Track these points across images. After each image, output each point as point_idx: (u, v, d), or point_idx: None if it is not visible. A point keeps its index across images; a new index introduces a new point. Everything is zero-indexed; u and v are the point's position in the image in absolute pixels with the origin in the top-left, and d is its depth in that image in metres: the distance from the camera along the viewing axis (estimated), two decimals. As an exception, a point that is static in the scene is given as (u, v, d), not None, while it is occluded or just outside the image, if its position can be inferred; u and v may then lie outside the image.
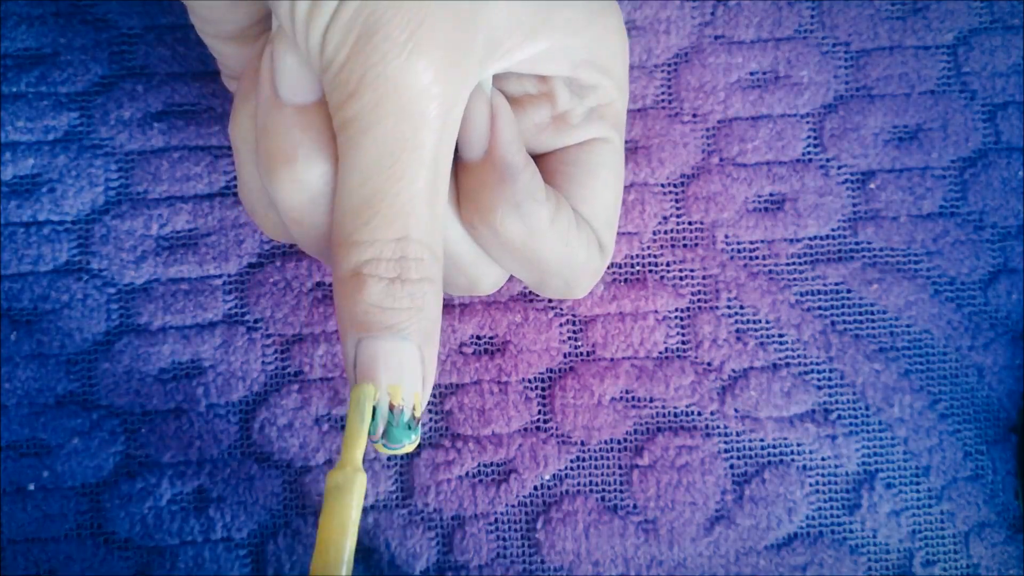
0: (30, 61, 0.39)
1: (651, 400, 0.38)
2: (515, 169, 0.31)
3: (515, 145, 0.31)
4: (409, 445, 0.30)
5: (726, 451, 0.37)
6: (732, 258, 0.38)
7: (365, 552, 0.37)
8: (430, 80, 0.27)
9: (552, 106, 0.33)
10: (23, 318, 0.37)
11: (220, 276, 0.38)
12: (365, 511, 0.37)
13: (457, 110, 0.29)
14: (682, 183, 0.39)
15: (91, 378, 0.37)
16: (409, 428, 0.30)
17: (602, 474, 0.37)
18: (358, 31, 0.27)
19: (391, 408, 0.29)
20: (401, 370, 0.29)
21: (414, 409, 0.30)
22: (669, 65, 0.40)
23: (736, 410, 0.38)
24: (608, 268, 0.38)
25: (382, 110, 0.27)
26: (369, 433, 0.30)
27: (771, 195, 0.39)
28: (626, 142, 0.39)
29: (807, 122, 0.39)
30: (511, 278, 0.38)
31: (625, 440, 0.38)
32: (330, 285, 0.38)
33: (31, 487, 0.37)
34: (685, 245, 0.39)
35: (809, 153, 0.39)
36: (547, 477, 0.37)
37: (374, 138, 0.28)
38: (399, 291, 0.29)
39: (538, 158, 0.34)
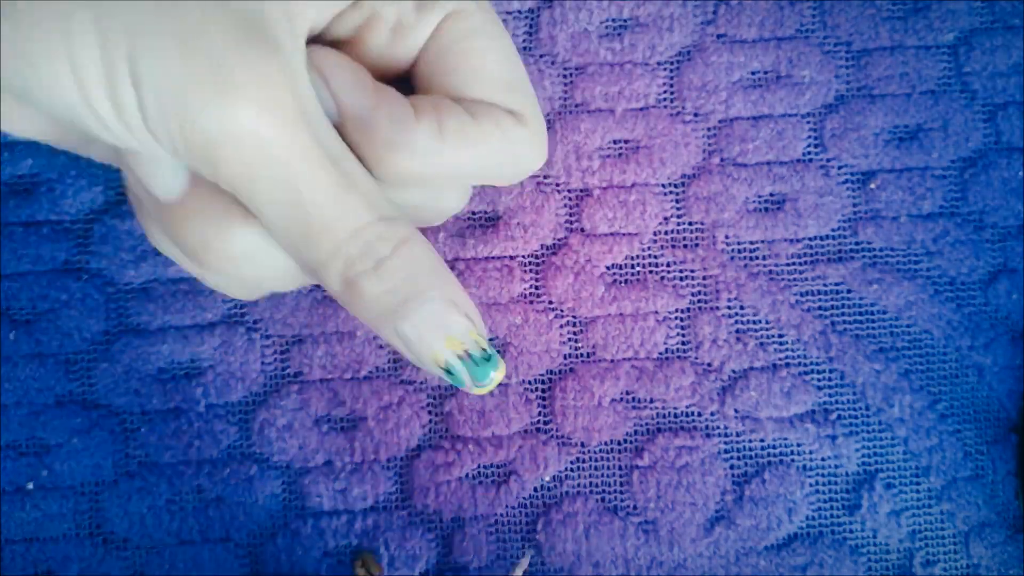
0: (29, 60, 0.39)
1: (651, 401, 0.38)
2: (367, 113, 0.30)
3: (357, 90, 0.30)
4: (496, 375, 0.31)
5: (726, 451, 0.37)
6: (732, 258, 0.38)
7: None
8: (253, 114, 0.27)
9: (382, 23, 0.32)
10: (22, 318, 0.37)
11: (219, 276, 0.38)
12: (365, 512, 0.37)
13: (308, 105, 0.28)
14: (683, 183, 0.39)
15: (90, 378, 0.37)
16: (487, 361, 0.30)
17: (602, 475, 0.37)
18: (164, 108, 0.26)
19: (461, 358, 0.30)
20: (444, 325, 0.30)
21: (479, 344, 0.30)
22: (672, 63, 0.40)
23: (736, 410, 0.38)
24: (608, 269, 0.38)
25: (237, 162, 0.27)
26: (460, 386, 0.31)
27: (771, 195, 0.39)
28: (626, 142, 0.39)
29: (808, 122, 0.39)
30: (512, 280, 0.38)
31: (625, 441, 0.37)
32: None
33: (30, 487, 0.37)
34: (685, 245, 0.39)
35: (810, 153, 0.39)
36: (547, 478, 0.37)
37: (255, 188, 0.28)
38: (387, 271, 0.29)
39: (408, 68, 0.33)
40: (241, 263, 0.30)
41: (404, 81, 0.33)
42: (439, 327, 0.30)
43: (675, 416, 0.38)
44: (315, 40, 0.31)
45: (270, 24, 0.28)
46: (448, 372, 0.30)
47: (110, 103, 0.26)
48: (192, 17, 0.26)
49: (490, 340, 0.38)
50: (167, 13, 0.26)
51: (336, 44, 0.32)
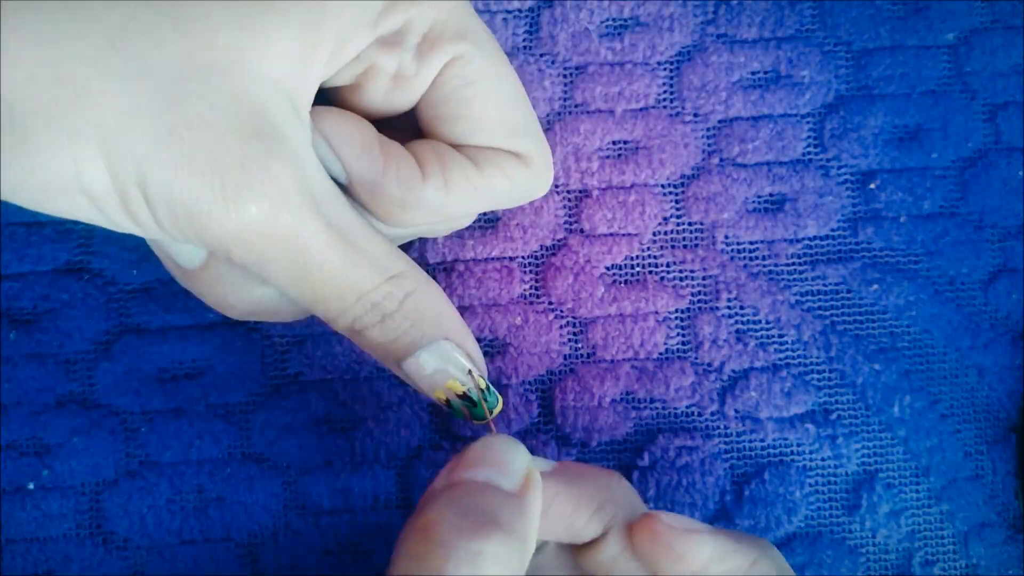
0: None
1: (651, 401, 0.38)
2: (376, 176, 0.31)
3: (364, 155, 0.31)
4: (496, 410, 0.33)
5: (726, 452, 0.37)
6: (732, 259, 0.38)
7: (365, 553, 0.37)
8: (261, 212, 0.28)
9: (382, 73, 0.32)
10: (23, 318, 0.37)
11: (220, 276, 0.38)
12: (365, 512, 0.37)
13: (314, 185, 0.29)
14: (682, 184, 0.39)
15: (91, 378, 0.37)
16: (485, 400, 0.32)
17: (602, 476, 0.37)
18: (177, 218, 0.28)
19: (460, 397, 0.32)
20: (444, 367, 0.32)
21: (478, 385, 0.32)
22: (672, 63, 0.40)
23: (736, 411, 0.38)
24: (608, 269, 0.38)
25: (249, 252, 0.28)
26: (462, 420, 0.34)
27: (771, 195, 0.39)
28: (626, 142, 0.39)
29: (808, 122, 0.39)
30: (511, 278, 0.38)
31: (625, 441, 0.38)
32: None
33: (31, 486, 0.37)
34: (685, 246, 0.39)
35: (809, 153, 0.39)
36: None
37: (268, 269, 0.29)
38: (391, 323, 0.31)
39: (414, 112, 0.34)
40: (260, 312, 0.33)
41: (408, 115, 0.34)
42: (439, 369, 0.32)
43: (675, 416, 0.38)
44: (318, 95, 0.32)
45: (273, 117, 0.28)
46: (449, 405, 0.32)
47: (126, 216, 0.28)
48: (195, 135, 0.27)
49: (490, 338, 0.38)
50: (171, 135, 0.27)
51: (337, 91, 0.32)
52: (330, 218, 0.29)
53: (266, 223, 0.28)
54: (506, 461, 0.29)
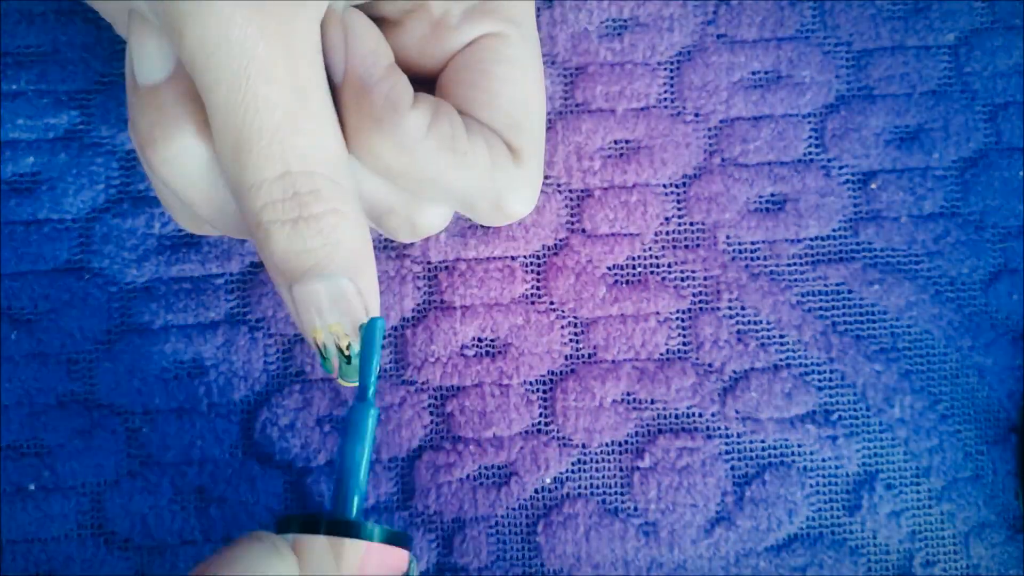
0: (30, 59, 0.39)
1: (652, 402, 0.38)
2: (369, 81, 0.30)
3: (370, 58, 0.30)
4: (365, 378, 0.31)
5: (727, 453, 0.38)
6: (733, 259, 0.38)
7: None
8: (248, 21, 0.27)
9: (428, 14, 0.32)
10: (24, 317, 0.37)
11: (222, 275, 0.38)
12: (366, 513, 0.37)
13: (298, 34, 0.28)
14: (684, 184, 0.39)
15: (92, 377, 0.37)
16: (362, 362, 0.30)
17: (603, 477, 0.37)
18: None
19: (340, 348, 0.30)
20: (338, 307, 0.29)
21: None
22: (672, 63, 0.40)
23: (737, 411, 0.38)
24: (609, 269, 0.38)
25: (209, 45, 0.27)
26: (326, 371, 0.30)
27: (772, 196, 0.39)
28: (627, 142, 0.39)
29: (809, 122, 0.39)
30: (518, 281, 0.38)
31: (626, 442, 0.38)
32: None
33: (31, 487, 0.37)
34: (687, 246, 0.39)
35: (810, 153, 0.39)
36: (548, 480, 0.37)
37: (215, 76, 0.27)
38: (305, 230, 0.28)
39: (435, 75, 0.33)
40: (174, 169, 0.30)
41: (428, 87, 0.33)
42: (330, 308, 0.29)
43: (676, 417, 0.38)
44: (360, 8, 0.31)
45: None
46: (321, 353, 0.30)
47: None
48: None
49: (492, 338, 0.38)
50: None
51: (378, 23, 0.32)
52: (300, 74, 0.28)
53: (241, 31, 0.27)
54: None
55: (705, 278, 0.38)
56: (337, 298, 0.29)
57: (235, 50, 0.27)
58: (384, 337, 0.31)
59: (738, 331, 0.38)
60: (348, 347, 0.30)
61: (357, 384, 0.31)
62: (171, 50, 0.29)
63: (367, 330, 0.30)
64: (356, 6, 0.31)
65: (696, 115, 0.39)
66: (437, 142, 0.30)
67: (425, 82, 0.33)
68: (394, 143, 0.30)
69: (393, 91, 0.30)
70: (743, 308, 0.38)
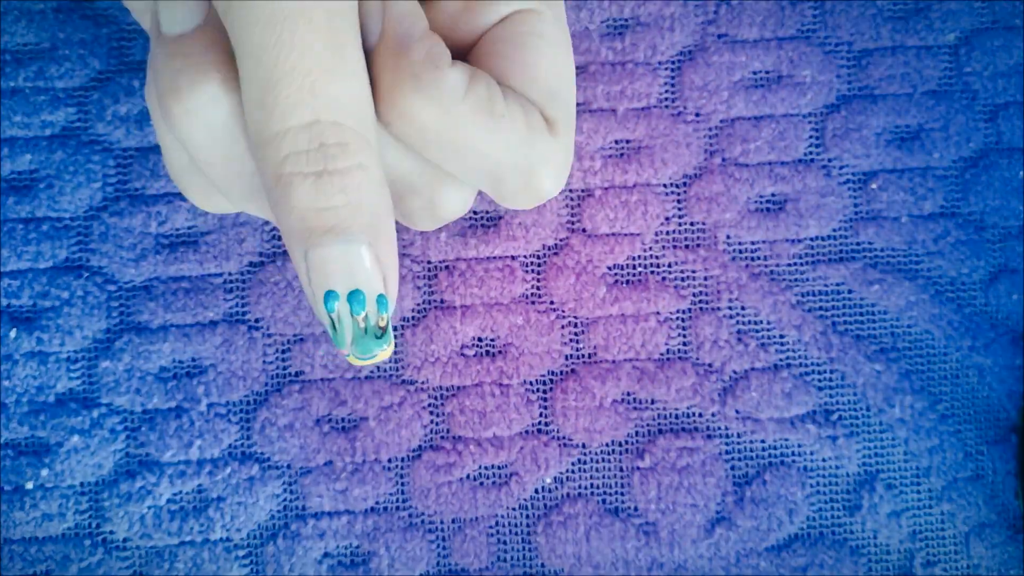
0: (28, 56, 0.39)
1: (652, 402, 0.38)
2: (408, 40, 0.29)
3: (408, 19, 0.29)
4: (382, 353, 0.29)
5: (727, 453, 0.37)
6: (734, 259, 0.38)
7: (364, 556, 0.37)
8: None
9: None
10: (22, 315, 0.37)
11: (221, 275, 0.38)
12: (365, 512, 0.37)
13: None
14: (684, 183, 0.39)
15: (91, 376, 0.37)
16: (377, 336, 0.29)
17: (603, 477, 0.37)
18: None
19: (355, 319, 0.28)
20: (355, 275, 0.28)
21: (379, 316, 0.28)
22: (673, 63, 0.40)
23: (737, 411, 0.38)
24: (610, 269, 0.38)
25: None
26: (337, 346, 0.29)
27: (773, 196, 0.39)
28: (628, 142, 0.39)
29: (809, 122, 0.39)
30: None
31: (626, 442, 0.38)
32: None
33: (30, 486, 0.36)
34: (687, 246, 0.38)
35: (811, 153, 0.39)
36: (548, 480, 0.37)
37: (251, 16, 0.26)
38: (328, 186, 0.27)
39: (466, 53, 0.32)
40: (196, 122, 0.28)
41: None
42: (350, 274, 0.28)
43: (676, 417, 0.38)
44: None
45: None
46: (333, 325, 0.29)
47: None
48: None
49: (491, 338, 0.38)
50: None
51: None
52: (337, 23, 0.27)
53: None
54: None
55: (705, 278, 0.38)
56: (355, 265, 0.28)
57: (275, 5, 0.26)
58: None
59: (738, 331, 0.38)
60: (365, 317, 0.28)
61: (374, 361, 0.30)
62: (200, 2, 0.28)
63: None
64: None
65: (697, 115, 0.39)
66: (475, 102, 0.29)
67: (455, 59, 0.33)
68: (432, 101, 0.29)
69: (433, 49, 0.29)
70: (743, 308, 0.38)
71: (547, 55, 0.32)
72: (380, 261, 0.28)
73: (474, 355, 0.38)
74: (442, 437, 0.37)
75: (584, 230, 0.38)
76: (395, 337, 0.38)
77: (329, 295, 0.28)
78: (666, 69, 0.40)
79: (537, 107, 0.31)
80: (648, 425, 0.38)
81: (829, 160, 0.39)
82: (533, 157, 0.31)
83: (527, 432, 0.37)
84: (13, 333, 0.37)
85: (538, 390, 0.38)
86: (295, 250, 0.28)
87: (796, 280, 0.38)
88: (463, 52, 0.32)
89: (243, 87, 0.27)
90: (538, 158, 0.31)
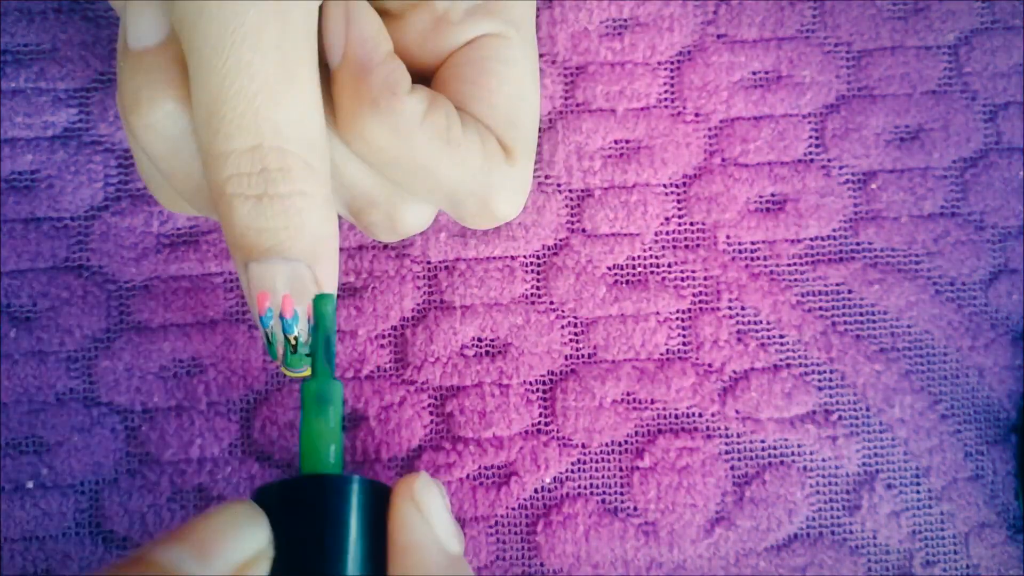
0: (29, 57, 0.39)
1: (652, 402, 0.38)
2: (368, 64, 0.29)
3: (370, 42, 0.29)
4: (308, 369, 0.30)
5: (727, 452, 0.38)
6: (733, 259, 0.38)
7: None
8: None
9: (431, 10, 0.31)
10: (23, 315, 0.37)
11: (221, 274, 0.38)
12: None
13: (295, 8, 0.27)
14: (684, 183, 0.39)
15: (91, 375, 0.37)
16: (306, 355, 0.29)
17: (603, 476, 0.37)
18: None
19: (286, 335, 0.29)
20: (290, 291, 0.28)
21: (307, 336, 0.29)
22: (672, 63, 0.40)
23: (737, 411, 0.38)
24: (609, 269, 0.38)
25: (201, 4, 0.26)
26: (271, 357, 0.29)
27: (772, 195, 0.39)
28: (628, 142, 0.39)
29: (809, 122, 0.39)
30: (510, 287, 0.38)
31: (626, 442, 0.38)
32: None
33: (30, 485, 0.37)
34: (687, 246, 0.39)
35: (811, 153, 0.39)
36: (548, 480, 0.37)
37: (202, 35, 0.26)
38: (268, 209, 0.27)
39: (432, 72, 0.32)
40: (155, 136, 0.29)
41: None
42: (282, 290, 0.28)
43: (676, 417, 0.38)
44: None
45: None
46: (267, 338, 0.29)
47: None
48: None
49: (492, 338, 0.38)
50: None
51: (379, 15, 0.31)
52: (288, 48, 0.27)
53: None
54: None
55: (705, 278, 0.38)
56: (292, 282, 0.28)
57: (225, 11, 0.26)
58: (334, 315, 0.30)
59: (738, 331, 0.38)
60: (296, 337, 0.29)
61: (304, 375, 0.30)
62: (165, 18, 0.29)
63: (318, 304, 0.29)
64: None
65: (696, 115, 0.39)
66: (432, 130, 0.30)
67: (420, 79, 0.33)
68: (389, 126, 0.29)
69: (392, 75, 0.30)
70: (743, 308, 0.38)
71: (509, 81, 0.32)
72: (319, 283, 0.29)
73: (474, 355, 0.38)
74: (442, 437, 0.37)
75: (584, 230, 0.38)
76: (396, 337, 0.38)
77: (266, 314, 0.28)
78: (665, 69, 0.40)
79: (495, 134, 0.32)
80: (648, 425, 0.38)
81: (829, 160, 0.39)
82: (489, 184, 0.32)
83: (527, 432, 0.37)
84: (13, 332, 0.37)
85: (538, 390, 0.38)
86: (238, 263, 0.28)
87: (796, 280, 0.38)
88: (428, 72, 0.33)
89: (192, 104, 0.28)
90: (494, 185, 0.32)
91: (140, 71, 0.29)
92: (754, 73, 0.40)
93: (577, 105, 0.39)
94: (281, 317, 0.28)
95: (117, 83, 0.30)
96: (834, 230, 0.39)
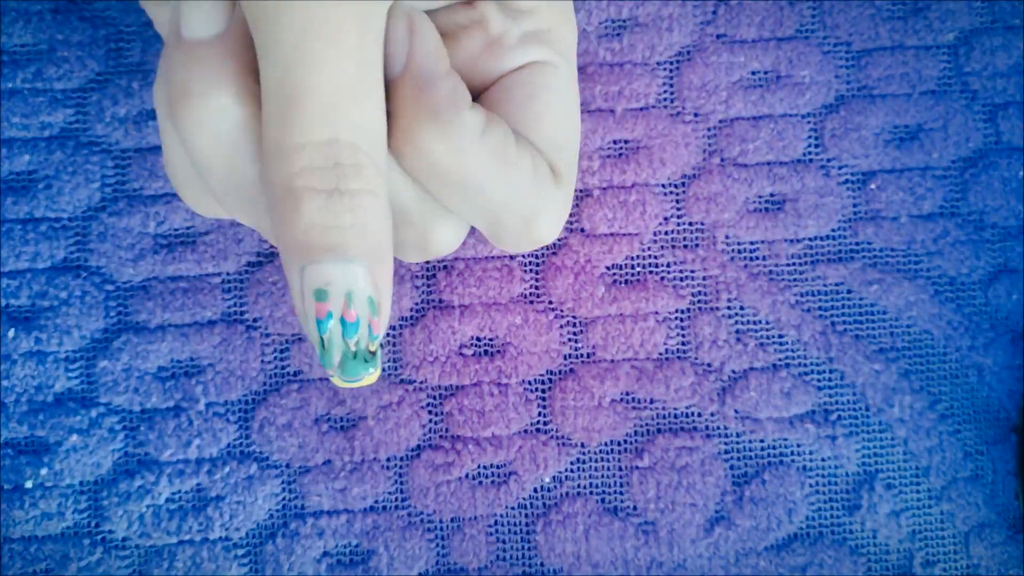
0: (26, 57, 0.39)
1: (651, 401, 0.38)
2: (432, 76, 0.29)
3: (433, 56, 0.29)
4: (368, 377, 0.29)
5: (726, 452, 0.37)
6: (732, 259, 0.38)
7: (363, 554, 0.37)
8: None
9: (485, 32, 0.31)
10: (21, 315, 0.37)
11: (219, 275, 0.38)
12: (364, 512, 0.37)
13: (373, 10, 0.27)
14: (683, 183, 0.39)
15: (90, 376, 0.37)
16: (366, 360, 0.29)
17: (602, 476, 0.37)
18: None
19: (345, 339, 0.28)
20: (351, 296, 0.28)
21: (369, 341, 0.28)
22: (671, 63, 0.40)
23: (736, 411, 0.38)
24: (608, 269, 0.38)
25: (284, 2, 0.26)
26: (324, 365, 0.29)
27: (772, 195, 0.39)
28: (626, 142, 0.39)
29: (808, 122, 0.39)
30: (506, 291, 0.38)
31: (625, 442, 0.37)
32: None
33: (29, 485, 0.36)
34: (686, 246, 0.38)
35: (810, 153, 0.39)
36: (547, 479, 0.37)
37: (284, 30, 0.26)
38: (338, 205, 0.27)
39: (480, 92, 0.32)
40: (203, 129, 0.28)
41: None
42: (343, 296, 0.28)
43: (675, 417, 0.38)
44: None
45: None
46: (322, 344, 0.28)
47: None
48: None
49: (490, 338, 0.38)
50: None
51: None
52: (366, 48, 0.27)
53: None
54: None
55: (704, 278, 0.38)
56: (353, 287, 0.28)
57: (311, 10, 0.26)
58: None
59: (737, 331, 0.38)
60: (356, 341, 0.28)
61: (359, 383, 0.30)
62: (224, 9, 0.29)
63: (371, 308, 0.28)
64: None
65: (695, 115, 0.39)
66: (490, 146, 0.30)
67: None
68: (450, 139, 0.29)
69: (457, 88, 0.30)
70: (742, 308, 0.38)
71: (558, 108, 0.32)
72: (376, 287, 0.28)
73: (473, 354, 0.38)
74: (441, 436, 0.37)
75: (583, 230, 0.38)
76: (395, 336, 0.38)
77: (325, 317, 0.28)
78: (664, 69, 0.40)
79: (544, 156, 0.32)
80: (647, 424, 0.38)
81: (828, 160, 0.39)
82: (536, 204, 0.31)
83: (526, 431, 0.37)
84: (12, 333, 0.37)
85: (537, 389, 0.38)
86: (292, 265, 0.28)
87: (795, 280, 0.38)
88: (476, 93, 0.32)
89: (264, 97, 0.27)
90: (540, 205, 0.32)
91: (195, 60, 0.28)
92: (753, 73, 0.40)
93: (576, 105, 0.39)
94: (342, 321, 0.28)
95: (161, 72, 0.29)
96: (833, 230, 0.39)
